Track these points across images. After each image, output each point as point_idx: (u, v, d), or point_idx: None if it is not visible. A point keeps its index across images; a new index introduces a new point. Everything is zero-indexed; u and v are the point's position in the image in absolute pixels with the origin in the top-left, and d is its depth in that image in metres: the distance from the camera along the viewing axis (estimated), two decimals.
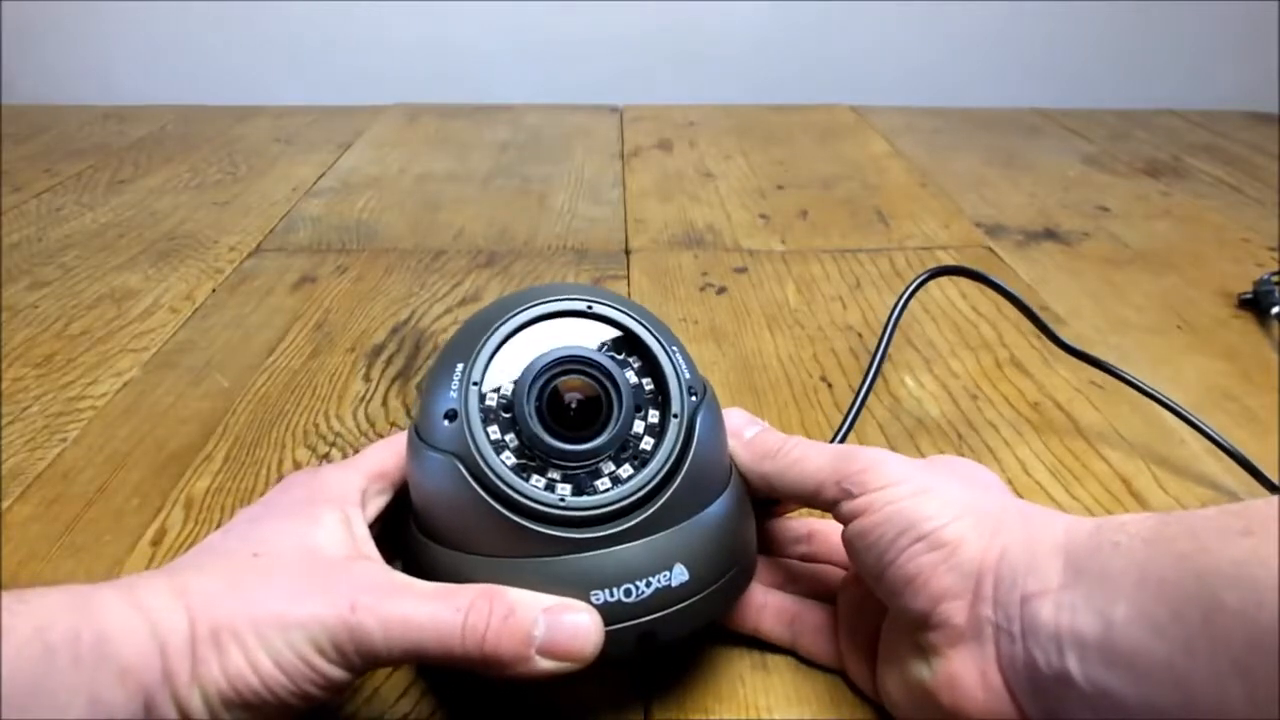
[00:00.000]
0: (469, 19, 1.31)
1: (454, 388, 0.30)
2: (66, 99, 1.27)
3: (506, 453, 0.29)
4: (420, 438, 0.30)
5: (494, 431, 0.29)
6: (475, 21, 1.31)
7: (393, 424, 0.51)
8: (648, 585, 0.29)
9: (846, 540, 0.31)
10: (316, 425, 0.51)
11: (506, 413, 0.30)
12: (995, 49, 1.34)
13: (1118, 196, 0.90)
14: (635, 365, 0.32)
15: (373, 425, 0.51)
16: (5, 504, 0.44)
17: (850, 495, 0.30)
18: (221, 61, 1.33)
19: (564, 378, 0.30)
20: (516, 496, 0.28)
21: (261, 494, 0.34)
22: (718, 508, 0.31)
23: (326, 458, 0.48)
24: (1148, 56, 1.34)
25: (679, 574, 0.29)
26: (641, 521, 0.29)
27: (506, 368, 0.30)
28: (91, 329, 0.62)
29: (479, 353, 0.30)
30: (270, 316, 0.64)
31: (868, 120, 1.18)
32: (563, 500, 0.29)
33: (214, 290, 0.68)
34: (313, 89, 1.31)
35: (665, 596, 0.29)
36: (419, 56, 1.33)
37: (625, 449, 0.30)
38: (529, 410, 0.29)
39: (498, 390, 0.30)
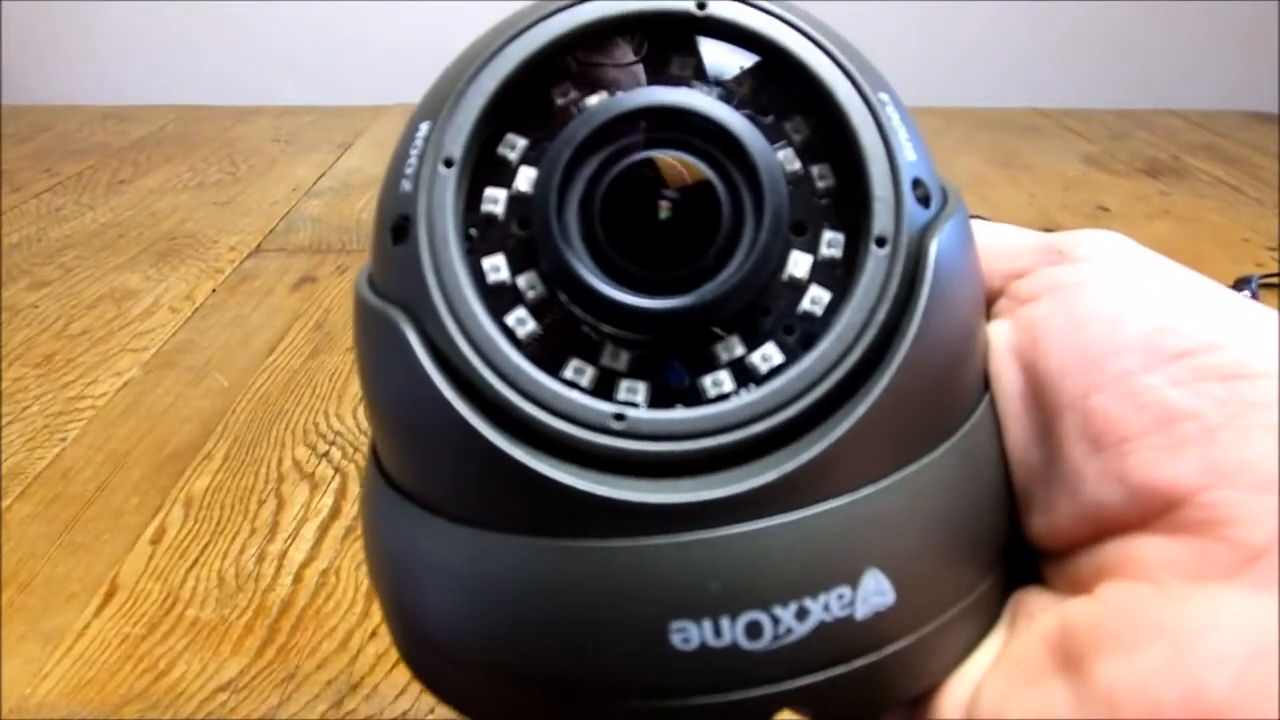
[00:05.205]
0: (469, 19, 1.31)
1: (408, 172, 0.15)
2: (66, 99, 1.28)
3: (519, 310, 0.15)
4: (369, 280, 0.17)
5: (494, 265, 0.15)
6: (475, 22, 1.31)
7: None
8: (800, 615, 0.14)
9: (1024, 342, 0.17)
10: (316, 424, 0.51)
11: (521, 228, 0.15)
12: (995, 49, 1.34)
13: (1118, 196, 0.90)
14: (799, 135, 0.15)
15: None
16: (5, 503, 0.44)
17: (1066, 258, 0.19)
18: (221, 61, 1.33)
19: (643, 154, 0.14)
20: (521, 403, 0.14)
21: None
22: (961, 447, 0.15)
23: (326, 457, 0.48)
24: (1148, 56, 1.34)
25: (874, 590, 0.14)
26: (795, 472, 0.14)
27: (523, 137, 0.15)
28: (91, 329, 0.62)
29: (460, 99, 0.15)
30: (270, 316, 0.64)
31: None
32: (623, 417, 0.14)
33: (214, 290, 0.68)
34: (313, 89, 1.31)
35: (840, 639, 0.14)
36: (419, 56, 1.33)
37: (767, 310, 0.15)
38: (565, 225, 0.14)
39: (506, 183, 0.15)
